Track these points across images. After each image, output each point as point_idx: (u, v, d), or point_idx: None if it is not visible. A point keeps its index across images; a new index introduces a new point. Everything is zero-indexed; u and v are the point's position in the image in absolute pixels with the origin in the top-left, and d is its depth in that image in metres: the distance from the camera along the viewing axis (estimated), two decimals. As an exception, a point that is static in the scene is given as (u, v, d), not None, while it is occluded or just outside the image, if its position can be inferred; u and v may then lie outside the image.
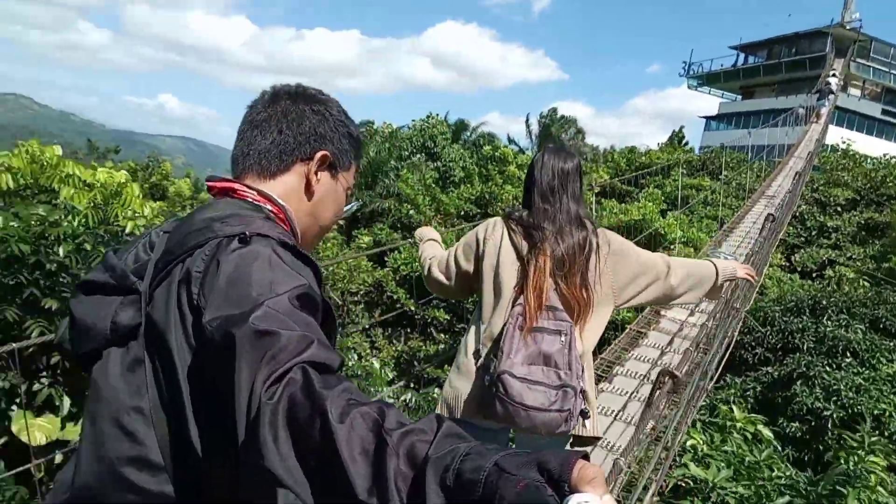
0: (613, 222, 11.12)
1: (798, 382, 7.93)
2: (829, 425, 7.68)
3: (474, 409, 1.87)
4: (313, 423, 0.62)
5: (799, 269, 13.71)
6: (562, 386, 1.72)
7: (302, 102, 1.11)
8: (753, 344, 9.00)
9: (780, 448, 6.36)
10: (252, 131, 1.09)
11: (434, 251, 2.28)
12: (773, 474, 4.42)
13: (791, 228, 14.20)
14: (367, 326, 9.94)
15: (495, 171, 18.14)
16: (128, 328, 0.90)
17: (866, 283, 14.24)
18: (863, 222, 16.52)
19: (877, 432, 7.54)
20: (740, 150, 18.67)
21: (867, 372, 8.25)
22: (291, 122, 1.09)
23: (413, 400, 5.42)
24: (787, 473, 4.72)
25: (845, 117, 31.25)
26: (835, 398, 7.86)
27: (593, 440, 1.97)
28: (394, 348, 9.73)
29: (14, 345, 1.97)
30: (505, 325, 1.82)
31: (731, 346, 5.91)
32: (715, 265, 2.14)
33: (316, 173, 1.11)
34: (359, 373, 5.70)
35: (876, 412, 7.61)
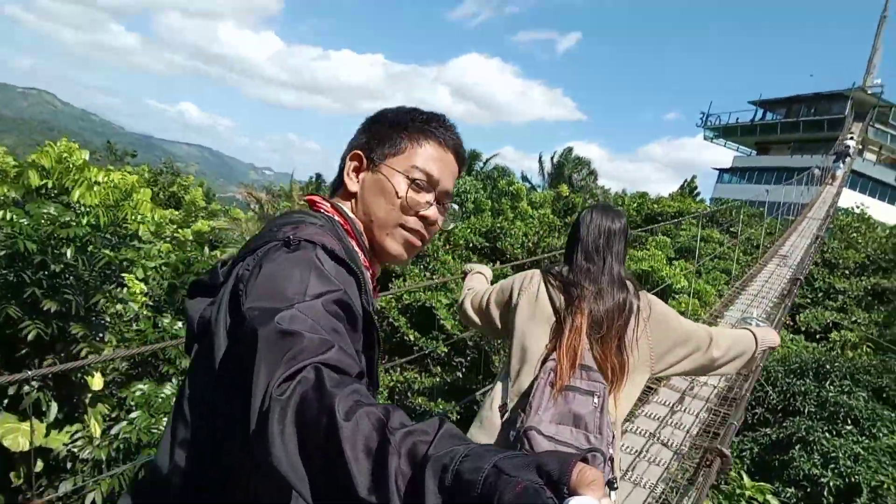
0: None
1: (797, 447, 7.80)
2: (826, 493, 7.54)
3: None
4: (320, 420, 0.63)
5: (803, 329, 13.59)
6: (591, 450, 1.63)
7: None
8: (754, 403, 8.89)
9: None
10: None
11: (475, 284, 2.29)
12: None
13: (798, 289, 14.11)
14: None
15: (507, 205, 18.20)
16: (204, 325, 0.95)
17: (869, 350, 14.11)
18: (869, 287, 16.42)
19: (873, 504, 7.39)
20: (751, 205, 18.65)
21: (867, 441, 8.11)
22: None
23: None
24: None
25: (859, 181, 31.26)
26: (833, 465, 7.71)
27: None
28: (389, 377, 9.64)
29: (29, 373, 1.96)
30: (535, 380, 1.75)
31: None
32: (754, 335, 2.06)
33: (350, 174, 1.14)
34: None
35: (874, 483, 7.46)
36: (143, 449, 4.87)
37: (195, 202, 9.90)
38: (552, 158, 34.38)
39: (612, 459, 1.69)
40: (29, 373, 1.95)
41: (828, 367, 9.79)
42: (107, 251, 3.84)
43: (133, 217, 4.65)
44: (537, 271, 2.00)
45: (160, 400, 5.23)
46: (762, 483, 5.15)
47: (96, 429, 3.92)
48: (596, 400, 1.69)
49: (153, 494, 0.98)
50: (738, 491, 4.89)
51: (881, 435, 8.13)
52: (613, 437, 1.72)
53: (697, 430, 4.66)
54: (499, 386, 1.93)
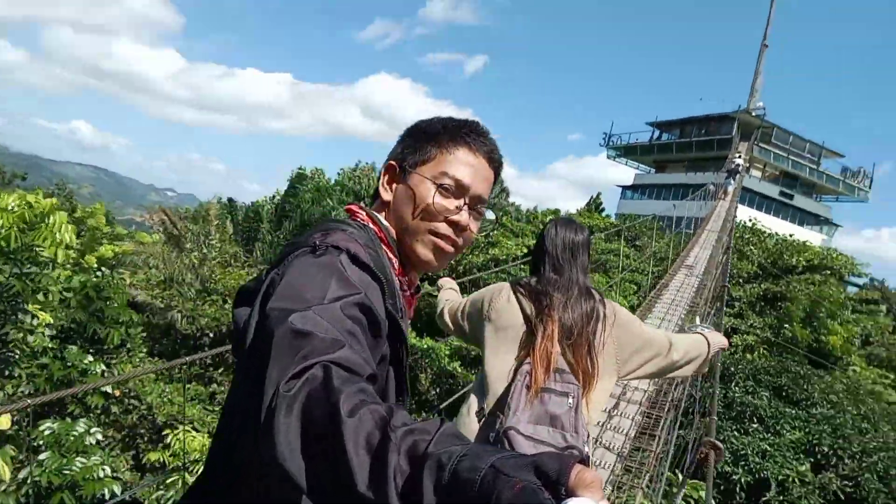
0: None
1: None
2: (738, 489, 7.98)
3: None
4: (324, 416, 0.63)
5: (706, 335, 14.43)
6: (568, 447, 1.68)
7: None
8: (659, 412, 9.32)
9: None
10: None
11: (450, 296, 2.40)
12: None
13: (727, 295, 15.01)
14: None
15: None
16: (242, 330, 0.95)
17: (766, 352, 15.16)
18: (761, 293, 17.72)
19: (781, 497, 7.89)
20: (653, 219, 19.66)
21: (772, 438, 8.67)
22: None
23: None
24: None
25: (747, 196, 33.68)
26: (742, 462, 8.19)
27: None
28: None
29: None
30: (511, 384, 1.80)
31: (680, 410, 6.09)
32: (707, 338, 2.18)
33: (384, 185, 1.17)
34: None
35: (780, 478, 7.97)
36: (55, 493, 4.48)
37: (99, 226, 9.32)
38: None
39: (588, 457, 1.75)
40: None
41: (732, 369, 10.43)
42: (15, 280, 3.53)
43: (52, 241, 4.30)
44: (506, 284, 2.05)
45: (72, 439, 4.84)
46: (695, 480, 5.39)
47: (5, 471, 3.57)
48: (570, 400, 1.75)
49: (190, 495, 1.04)
50: (674, 490, 5.08)
51: (784, 431, 8.72)
52: (588, 436, 1.78)
53: (635, 432, 4.83)
54: (474, 395, 1.97)
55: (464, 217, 1.14)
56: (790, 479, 7.94)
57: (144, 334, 7.67)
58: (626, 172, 45.30)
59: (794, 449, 8.42)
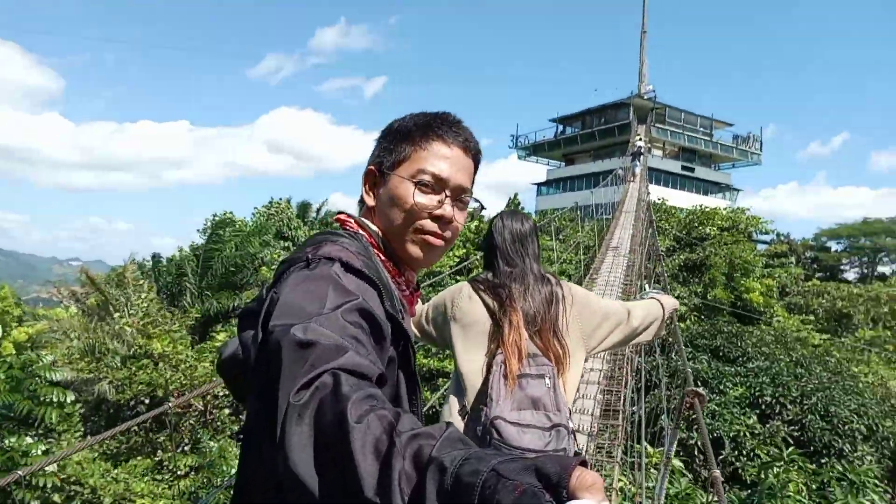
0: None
1: (662, 416, 8.50)
2: (696, 452, 8.27)
3: None
4: (333, 423, 0.64)
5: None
6: (553, 426, 1.72)
7: None
8: (618, 388, 9.56)
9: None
10: None
11: None
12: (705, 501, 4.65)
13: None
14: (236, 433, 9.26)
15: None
16: (248, 350, 0.96)
17: (697, 318, 15.85)
18: (682, 263, 18.57)
19: (736, 453, 8.24)
20: (571, 210, 20.26)
21: (717, 398, 9.04)
22: None
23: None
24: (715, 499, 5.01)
25: (653, 175, 35.32)
26: (695, 426, 8.51)
27: None
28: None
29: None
30: (488, 376, 1.82)
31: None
32: (660, 301, 2.27)
33: (367, 191, 1.19)
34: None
35: (732, 434, 8.32)
36: None
37: (8, 310, 8.76)
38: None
39: (574, 433, 1.80)
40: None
41: (669, 339, 10.83)
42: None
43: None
44: (466, 283, 2.08)
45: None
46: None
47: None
48: (548, 381, 1.80)
49: None
50: (645, 461, 5.23)
51: (728, 390, 9.14)
52: (571, 413, 1.83)
53: (599, 411, 4.95)
54: (452, 396, 1.98)
55: (447, 210, 1.15)
56: (741, 433, 8.32)
57: (83, 410, 7.25)
58: (539, 170, 46.58)
59: (739, 405, 8.83)
